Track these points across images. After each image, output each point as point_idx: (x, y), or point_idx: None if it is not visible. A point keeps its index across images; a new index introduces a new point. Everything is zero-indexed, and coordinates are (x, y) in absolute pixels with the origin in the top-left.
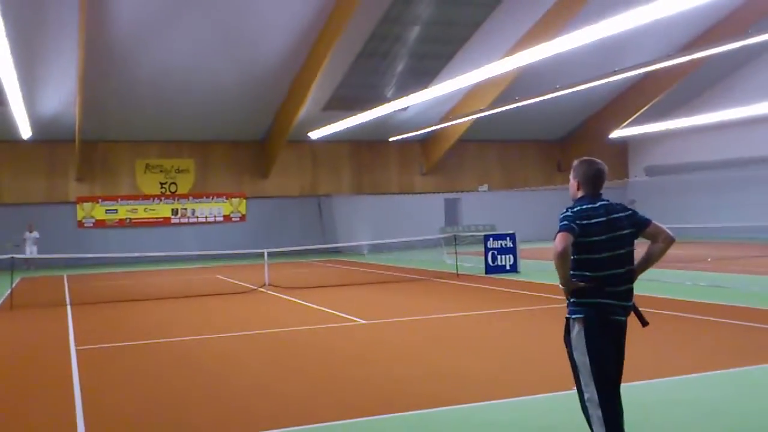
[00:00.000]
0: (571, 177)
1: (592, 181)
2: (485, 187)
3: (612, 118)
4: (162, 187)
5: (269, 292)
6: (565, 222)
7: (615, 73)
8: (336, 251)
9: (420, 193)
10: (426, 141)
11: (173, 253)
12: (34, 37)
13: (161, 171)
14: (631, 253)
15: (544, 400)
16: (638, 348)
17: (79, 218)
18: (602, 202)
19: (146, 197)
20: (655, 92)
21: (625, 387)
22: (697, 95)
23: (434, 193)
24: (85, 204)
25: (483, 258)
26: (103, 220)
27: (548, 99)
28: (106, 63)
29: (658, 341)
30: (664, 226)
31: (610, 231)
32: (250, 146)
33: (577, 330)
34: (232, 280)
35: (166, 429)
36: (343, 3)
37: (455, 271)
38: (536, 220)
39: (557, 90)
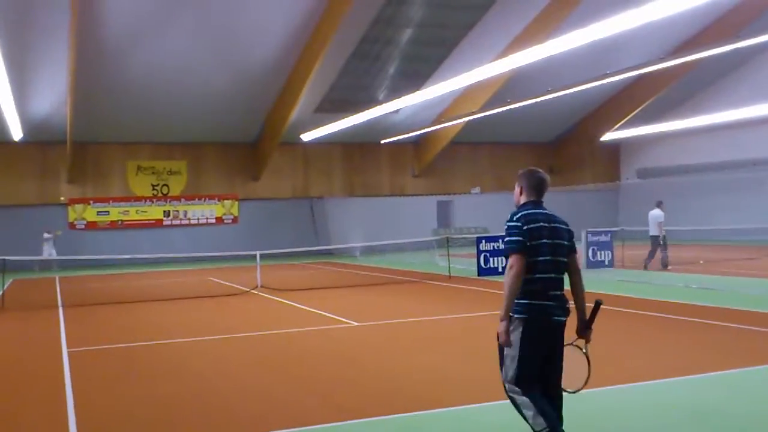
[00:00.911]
0: (516, 185)
1: (535, 188)
2: (477, 189)
3: (604, 120)
4: (154, 189)
5: (261, 294)
6: (516, 238)
7: (607, 75)
8: (328, 253)
9: (412, 195)
10: (418, 143)
11: (165, 255)
12: (25, 38)
13: (153, 173)
14: (565, 263)
15: None
16: (629, 350)
17: (70, 220)
18: (543, 210)
19: (138, 199)
20: (647, 95)
21: (615, 389)
22: (689, 98)
23: (426, 195)
24: (76, 206)
25: (475, 260)
26: (95, 222)
27: (540, 101)
28: (98, 65)
29: (649, 343)
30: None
31: (552, 237)
32: (242, 148)
33: (518, 328)
34: (224, 282)
35: (157, 430)
36: (335, 5)
37: (447, 273)
38: None
39: (549, 93)
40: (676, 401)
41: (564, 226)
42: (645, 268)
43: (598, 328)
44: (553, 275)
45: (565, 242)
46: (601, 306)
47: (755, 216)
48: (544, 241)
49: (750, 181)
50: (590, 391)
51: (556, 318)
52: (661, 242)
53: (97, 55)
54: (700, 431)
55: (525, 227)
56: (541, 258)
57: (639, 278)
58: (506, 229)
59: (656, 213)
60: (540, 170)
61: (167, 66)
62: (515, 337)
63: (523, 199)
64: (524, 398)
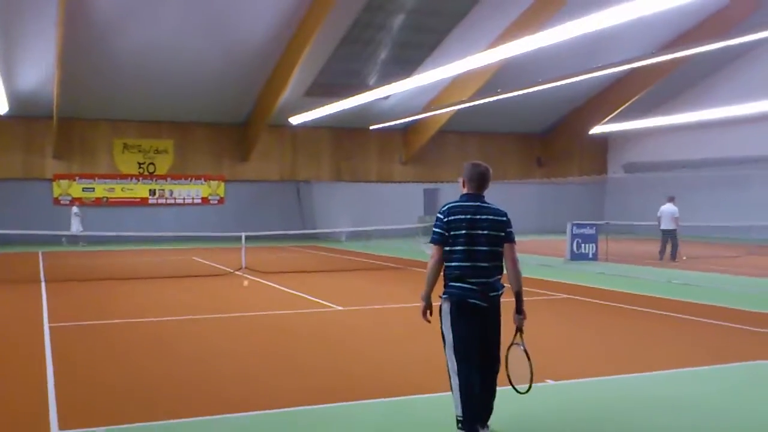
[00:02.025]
0: (460, 177)
1: (473, 181)
2: None
3: (593, 113)
4: (140, 167)
5: (245, 275)
6: (437, 230)
7: (597, 68)
8: (314, 237)
9: (399, 182)
10: (407, 130)
11: (150, 233)
12: (13, 12)
13: (140, 151)
14: (492, 253)
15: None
16: (614, 343)
17: (55, 195)
18: (477, 203)
19: (124, 177)
20: (636, 89)
21: (599, 381)
22: (678, 94)
23: (413, 182)
24: (61, 181)
25: None
26: (80, 198)
27: (530, 93)
28: (86, 40)
29: (633, 337)
30: (515, 253)
31: (472, 228)
32: (231, 129)
33: (443, 308)
34: (208, 263)
35: (138, 408)
36: None
37: None
38: (514, 213)
39: (539, 84)
40: (659, 395)
41: (495, 217)
42: (674, 259)
43: (581, 320)
44: (469, 263)
45: (489, 233)
46: (520, 294)
47: (739, 213)
48: (463, 232)
49: (735, 179)
50: (568, 383)
51: (470, 300)
52: (675, 236)
53: (86, 30)
54: (678, 424)
55: (446, 219)
56: (458, 248)
57: (621, 272)
58: (435, 219)
59: (671, 208)
60: (482, 164)
61: (157, 44)
62: (443, 315)
63: (463, 191)
64: (455, 377)
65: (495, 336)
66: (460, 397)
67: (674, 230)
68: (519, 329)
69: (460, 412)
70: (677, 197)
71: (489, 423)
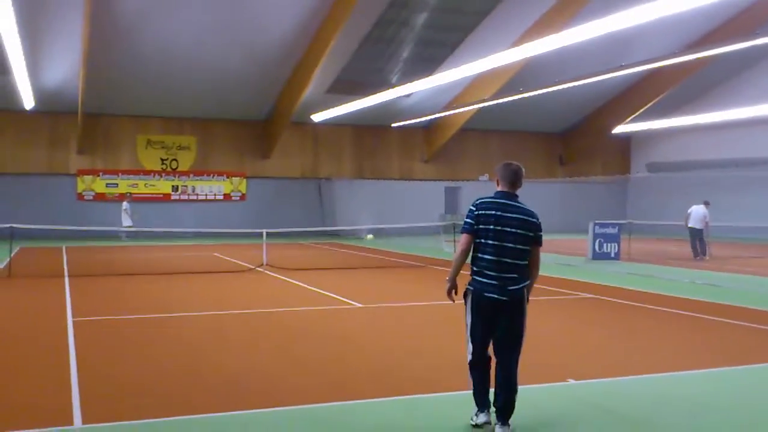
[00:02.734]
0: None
1: (506, 179)
2: (486, 176)
3: (616, 113)
4: (163, 163)
5: (266, 272)
6: (467, 220)
7: (621, 68)
8: (335, 234)
9: (420, 179)
10: (428, 128)
11: (172, 229)
12: (40, 7)
13: (163, 147)
14: (520, 251)
15: (539, 390)
16: (635, 343)
17: (79, 191)
18: (506, 200)
19: (147, 173)
20: (660, 89)
21: (620, 381)
22: (703, 94)
23: (435, 180)
24: (85, 177)
25: None
26: (103, 194)
27: (552, 91)
28: (111, 37)
29: (655, 337)
30: (539, 259)
31: (500, 225)
32: (253, 126)
33: (466, 298)
34: (229, 259)
35: (159, 400)
36: None
37: (452, 259)
38: (536, 212)
39: (562, 83)
40: (678, 394)
41: (523, 217)
42: (704, 255)
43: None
44: (494, 258)
45: (517, 231)
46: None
47: (763, 214)
48: (491, 227)
49: (760, 180)
50: (590, 382)
51: (487, 294)
52: (703, 236)
53: (112, 26)
54: (700, 425)
55: (477, 212)
56: (484, 241)
57: (644, 271)
58: (467, 212)
59: (703, 210)
60: (514, 162)
61: (181, 41)
62: (466, 304)
63: (498, 188)
64: (470, 355)
65: (517, 329)
66: (474, 374)
67: (701, 230)
68: None
69: (471, 386)
70: (701, 197)
71: (510, 422)
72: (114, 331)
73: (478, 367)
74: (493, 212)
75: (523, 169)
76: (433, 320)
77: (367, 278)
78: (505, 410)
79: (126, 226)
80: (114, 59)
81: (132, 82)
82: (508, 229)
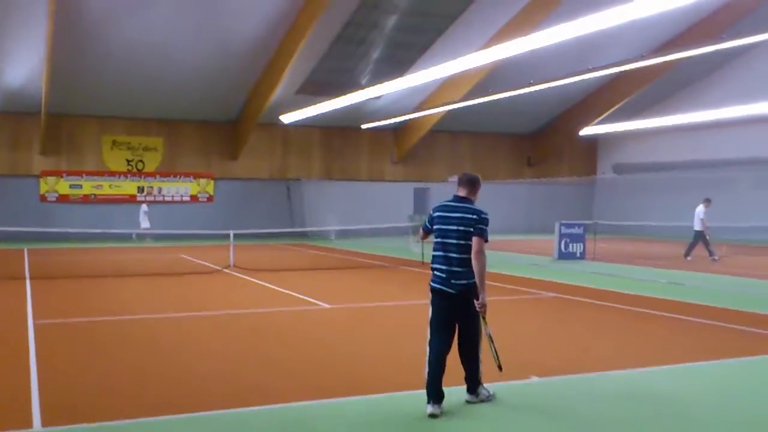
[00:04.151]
0: None
1: (461, 185)
2: (455, 178)
3: (584, 115)
4: (129, 164)
5: (234, 273)
6: (424, 221)
7: (589, 71)
8: (303, 235)
9: (390, 181)
10: (398, 130)
11: (137, 231)
12: (2, 5)
13: (128, 148)
14: (462, 246)
15: (502, 388)
16: (599, 340)
17: (42, 192)
18: (455, 203)
19: (112, 174)
20: (627, 91)
21: (583, 377)
22: (669, 96)
23: (404, 181)
24: (48, 178)
25: None
26: (67, 195)
27: (521, 94)
28: (76, 36)
29: (618, 334)
30: (479, 246)
31: (442, 223)
32: (221, 127)
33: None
34: (196, 260)
35: (123, 405)
36: None
37: (421, 260)
38: (504, 212)
39: (531, 85)
40: (638, 390)
41: (462, 214)
42: (715, 257)
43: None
44: (441, 253)
45: (458, 227)
46: (479, 283)
47: (726, 215)
48: (437, 226)
49: (723, 181)
50: (553, 379)
51: (435, 285)
52: (704, 236)
53: (76, 26)
54: (665, 421)
55: (433, 214)
56: (435, 239)
57: (608, 271)
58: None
59: (699, 209)
60: (471, 174)
61: (148, 41)
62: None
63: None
64: (427, 346)
65: (467, 319)
66: (427, 364)
67: (700, 231)
68: (481, 315)
69: (425, 376)
70: (665, 198)
71: (471, 398)
72: (76, 333)
73: (431, 359)
74: (441, 213)
75: (479, 178)
76: (401, 321)
77: (335, 279)
78: (469, 378)
79: (143, 228)
80: (79, 59)
81: (97, 82)
82: (451, 227)
